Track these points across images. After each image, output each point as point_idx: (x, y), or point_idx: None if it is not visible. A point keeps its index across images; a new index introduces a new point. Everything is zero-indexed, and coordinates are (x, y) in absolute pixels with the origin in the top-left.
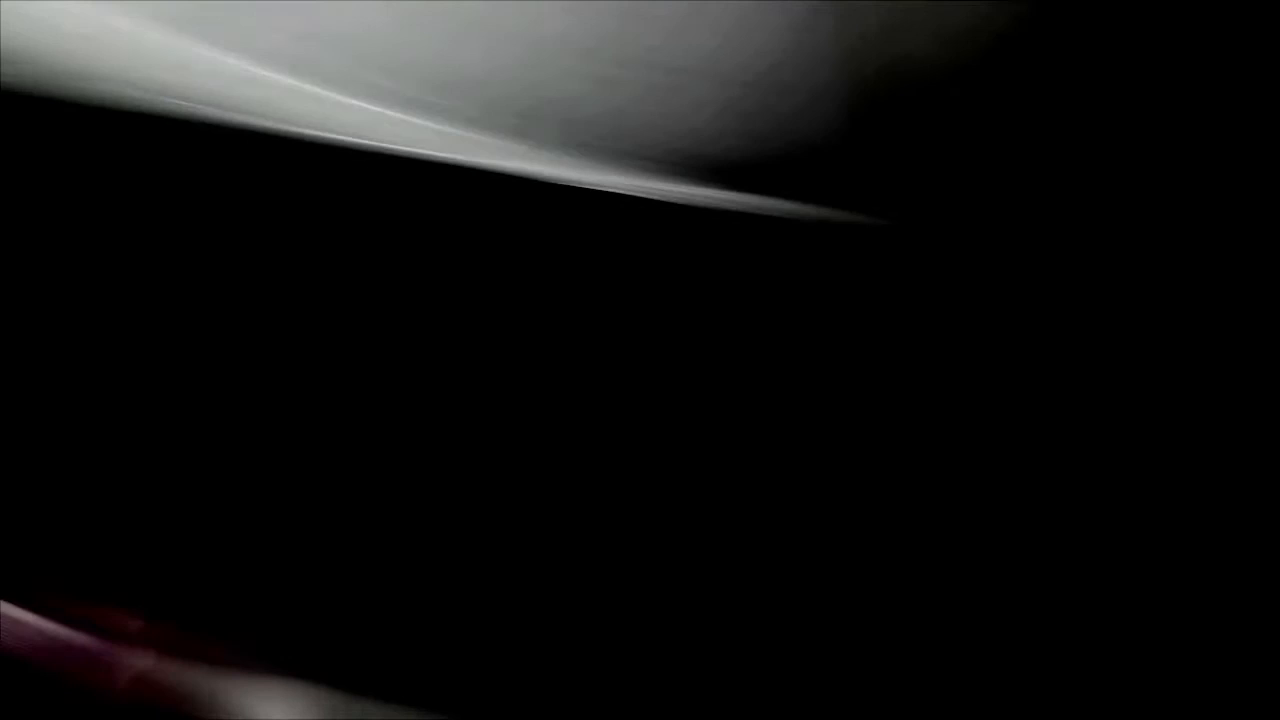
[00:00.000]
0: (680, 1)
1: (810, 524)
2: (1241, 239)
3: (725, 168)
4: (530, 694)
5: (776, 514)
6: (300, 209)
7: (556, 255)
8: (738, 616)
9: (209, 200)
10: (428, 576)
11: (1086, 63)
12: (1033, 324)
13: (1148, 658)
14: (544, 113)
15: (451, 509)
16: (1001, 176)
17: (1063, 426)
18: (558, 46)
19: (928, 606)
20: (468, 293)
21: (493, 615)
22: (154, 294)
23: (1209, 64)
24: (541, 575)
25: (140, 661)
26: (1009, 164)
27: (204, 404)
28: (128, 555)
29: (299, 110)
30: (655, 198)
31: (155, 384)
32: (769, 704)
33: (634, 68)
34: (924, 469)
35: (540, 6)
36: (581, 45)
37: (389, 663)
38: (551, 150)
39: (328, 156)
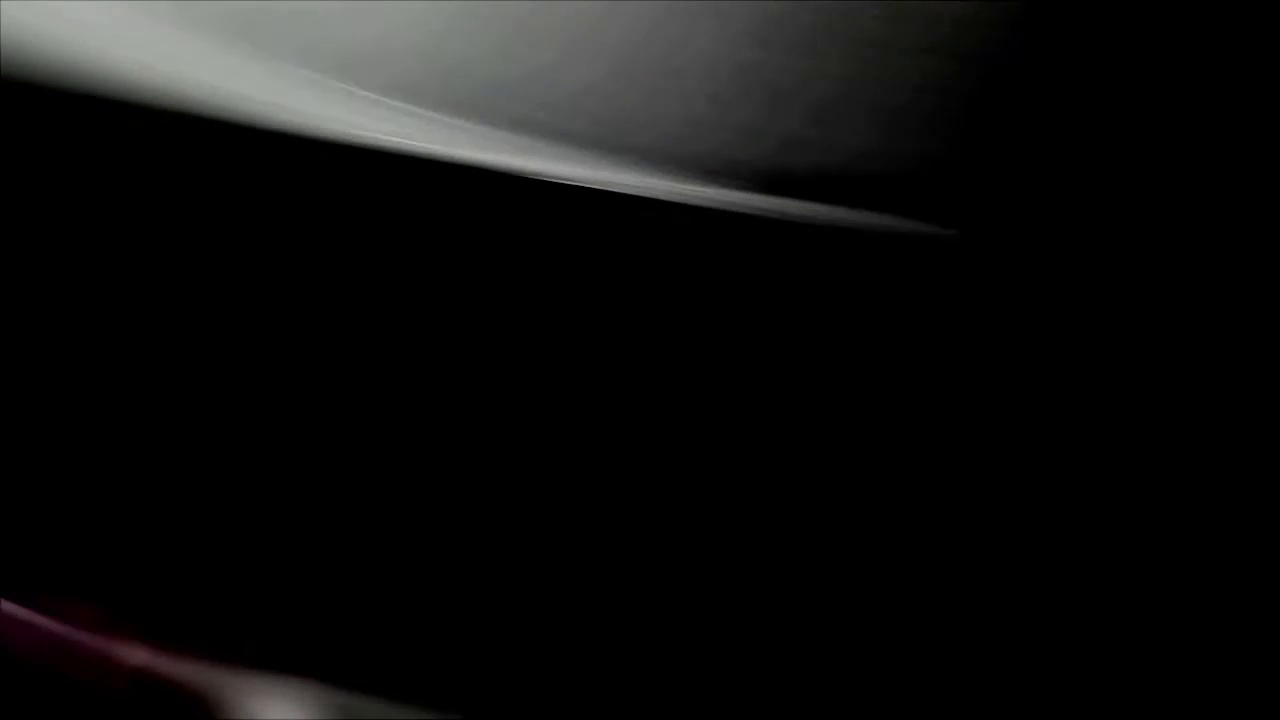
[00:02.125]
0: (680, 1)
1: (804, 527)
2: (1253, 232)
3: (724, 165)
4: (530, 694)
5: (757, 517)
6: (297, 206)
7: (554, 253)
8: (743, 619)
9: (203, 196)
10: (428, 576)
11: (1091, 59)
12: (1036, 326)
13: (1148, 658)
14: (541, 106)
15: (451, 509)
16: (1008, 176)
17: (1073, 427)
18: (558, 41)
19: (955, 613)
20: (461, 290)
21: (493, 615)
22: (151, 293)
23: (1220, 66)
24: (542, 575)
25: (140, 660)
26: (1014, 163)
27: (204, 403)
28: (128, 554)
29: (303, 106)
30: (654, 196)
31: (156, 383)
32: (769, 704)
33: (633, 62)
34: (916, 470)
35: (541, 5)
36: (579, 40)
37: (389, 663)
38: (549, 145)
39: (325, 151)
